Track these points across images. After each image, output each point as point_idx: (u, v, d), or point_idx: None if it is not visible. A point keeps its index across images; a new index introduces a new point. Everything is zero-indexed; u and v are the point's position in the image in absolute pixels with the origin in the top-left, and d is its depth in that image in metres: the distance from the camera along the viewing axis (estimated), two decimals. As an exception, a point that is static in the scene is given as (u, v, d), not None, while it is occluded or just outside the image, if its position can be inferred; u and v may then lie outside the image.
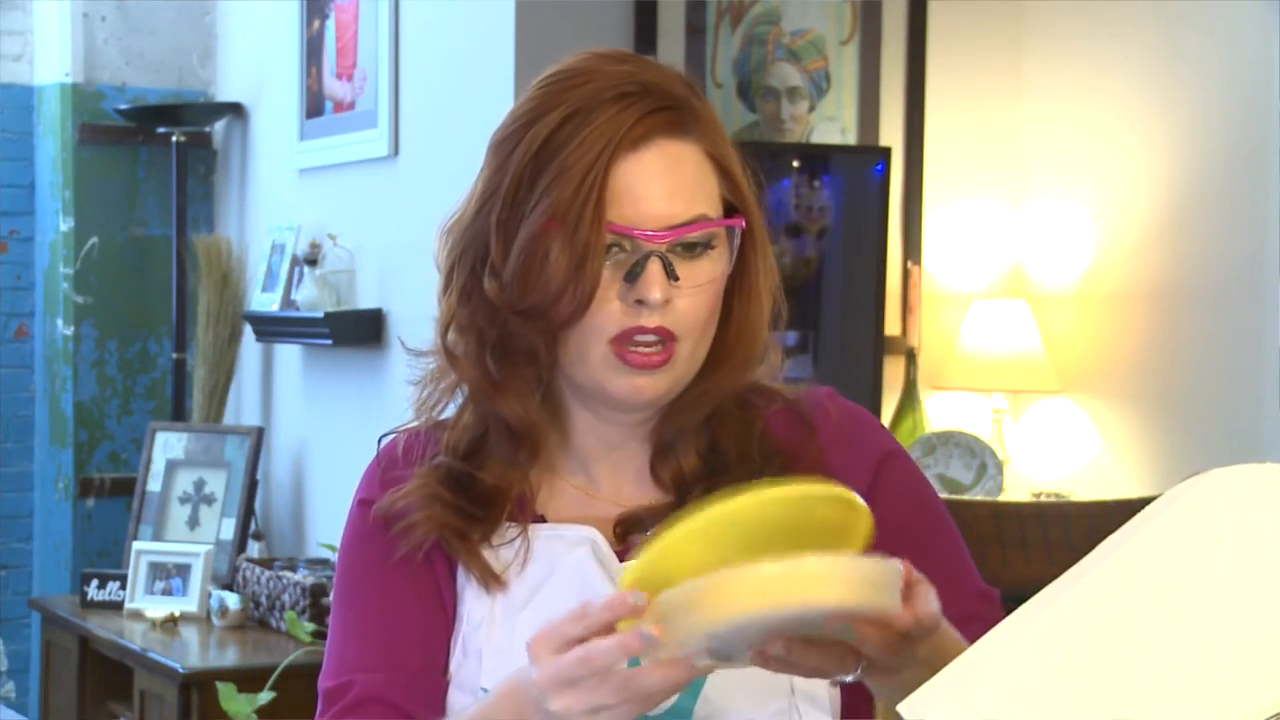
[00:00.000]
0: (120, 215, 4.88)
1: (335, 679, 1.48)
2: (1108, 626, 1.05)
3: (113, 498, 4.83)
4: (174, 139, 4.74)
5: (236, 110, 4.85)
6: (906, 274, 4.24)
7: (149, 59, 4.92)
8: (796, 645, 1.20)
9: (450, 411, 1.52)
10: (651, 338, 1.40)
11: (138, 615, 4.12)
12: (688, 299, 1.40)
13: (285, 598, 3.92)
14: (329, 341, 4.21)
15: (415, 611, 1.47)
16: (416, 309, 4.01)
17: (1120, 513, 1.15)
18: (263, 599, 4.02)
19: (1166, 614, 1.05)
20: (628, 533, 1.47)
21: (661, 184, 1.40)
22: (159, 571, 4.19)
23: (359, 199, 4.29)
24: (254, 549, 4.42)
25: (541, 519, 1.49)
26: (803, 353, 3.99)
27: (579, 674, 1.19)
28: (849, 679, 1.25)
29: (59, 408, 4.88)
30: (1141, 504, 1.13)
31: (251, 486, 4.42)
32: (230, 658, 3.82)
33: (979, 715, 1.05)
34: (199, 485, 4.46)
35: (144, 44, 4.91)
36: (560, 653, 1.20)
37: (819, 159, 4.11)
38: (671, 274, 1.39)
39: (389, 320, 4.14)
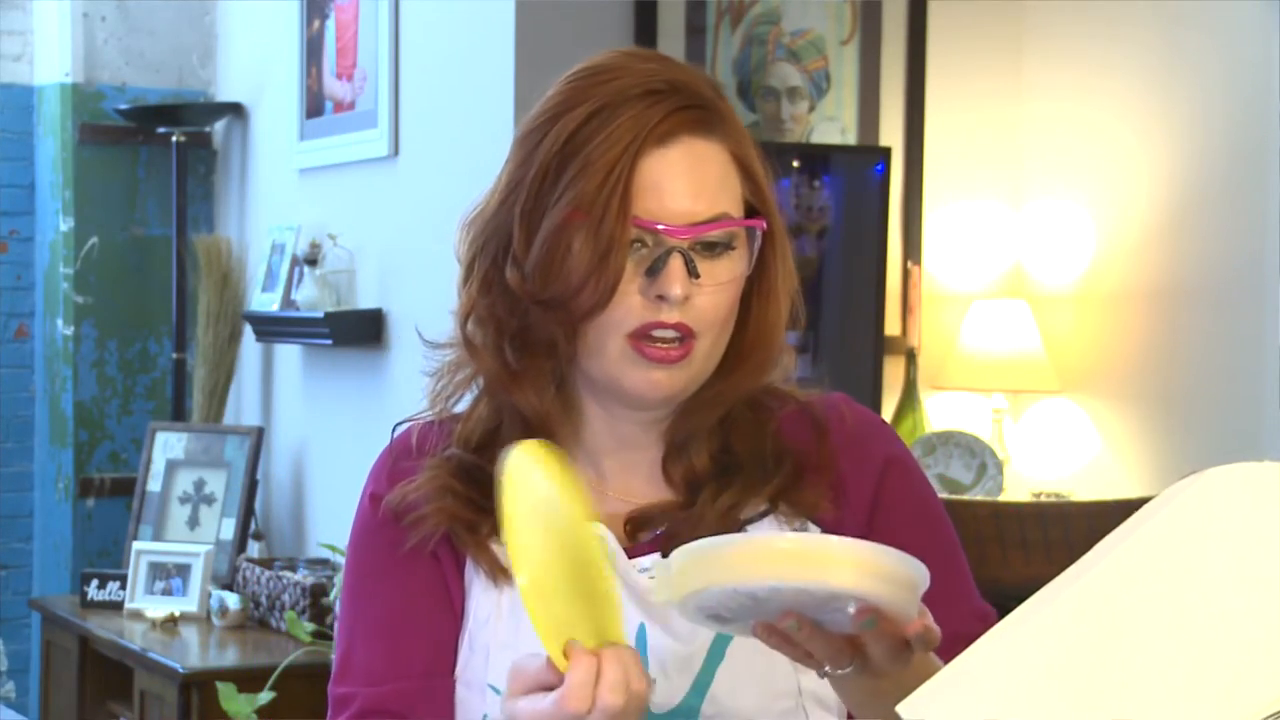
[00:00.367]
0: (120, 215, 4.88)
1: (341, 687, 1.49)
2: (1106, 625, 1.05)
3: (113, 498, 4.83)
4: (174, 139, 4.74)
5: (236, 110, 4.85)
6: (906, 274, 4.25)
7: (149, 59, 4.92)
8: (807, 625, 1.21)
9: (465, 404, 1.52)
10: (671, 333, 1.40)
11: (138, 615, 4.12)
12: (707, 297, 1.41)
13: (285, 598, 3.92)
14: (329, 341, 4.21)
15: (422, 611, 1.47)
16: (416, 309, 4.01)
17: (1120, 513, 1.15)
18: (263, 599, 4.02)
19: (1165, 613, 1.05)
20: (637, 530, 1.47)
21: (686, 181, 1.40)
22: (159, 571, 4.19)
23: (359, 199, 4.29)
24: (254, 549, 4.42)
25: None
26: (803, 353, 3.98)
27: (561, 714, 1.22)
28: (837, 673, 1.25)
29: (59, 408, 4.88)
30: (1141, 504, 1.13)
31: (251, 486, 4.42)
32: (230, 658, 3.82)
33: (978, 715, 1.05)
34: (199, 485, 4.46)
35: (144, 44, 4.91)
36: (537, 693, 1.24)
37: (819, 159, 4.11)
38: (693, 271, 1.40)
39: (389, 320, 4.14)
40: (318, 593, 3.84)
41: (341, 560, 3.76)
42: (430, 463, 1.49)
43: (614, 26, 3.85)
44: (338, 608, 3.67)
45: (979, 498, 3.93)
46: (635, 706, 1.22)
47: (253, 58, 4.82)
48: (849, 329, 4.12)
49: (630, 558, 1.45)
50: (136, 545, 4.26)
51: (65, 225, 4.84)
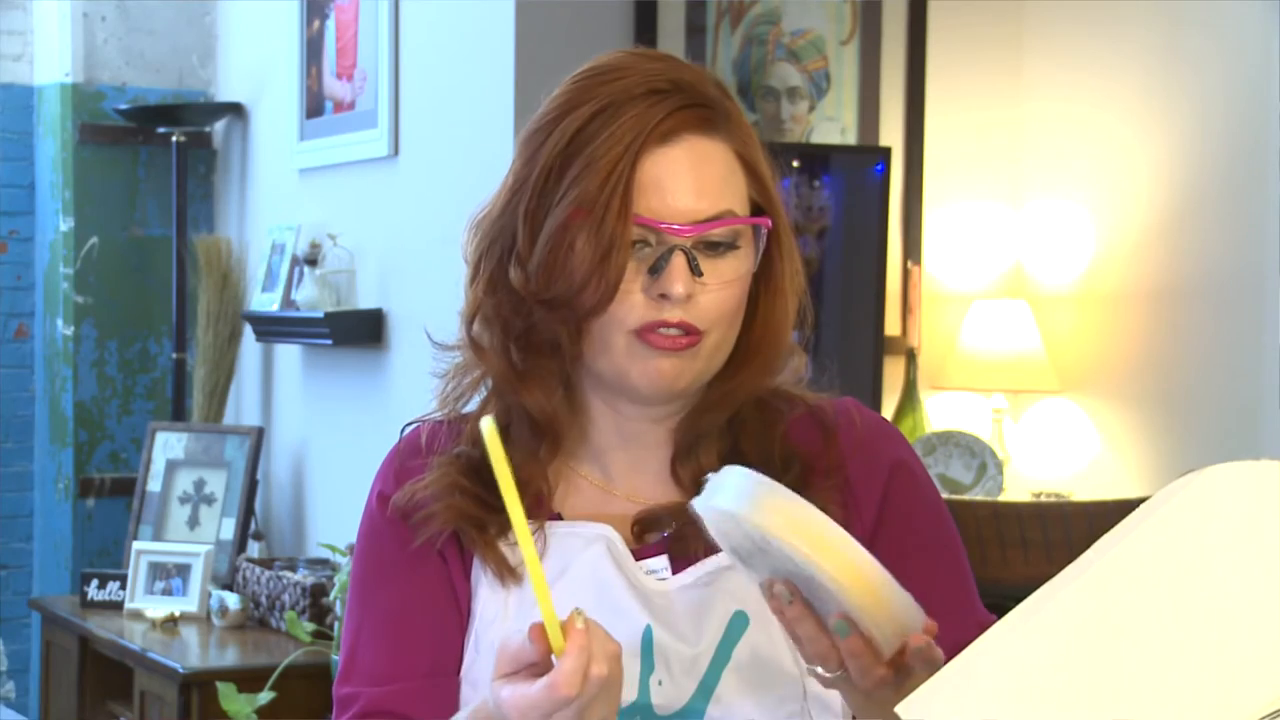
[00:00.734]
0: (120, 215, 4.88)
1: (345, 687, 1.49)
2: (1106, 625, 1.05)
3: (113, 498, 4.83)
4: (174, 139, 4.74)
5: (236, 110, 4.85)
6: (906, 274, 4.25)
7: (149, 59, 4.92)
8: (798, 601, 1.22)
9: (474, 405, 1.52)
10: (674, 330, 1.40)
11: (138, 615, 4.12)
12: (711, 295, 1.41)
13: (285, 598, 3.92)
14: (329, 341, 4.21)
15: (428, 611, 1.47)
16: (417, 309, 4.01)
17: (1120, 513, 1.15)
18: (263, 599, 4.02)
19: (1164, 612, 1.05)
20: (645, 531, 1.47)
21: (689, 179, 1.40)
22: (159, 571, 4.19)
23: (359, 199, 4.29)
24: (254, 549, 4.42)
25: (558, 517, 1.49)
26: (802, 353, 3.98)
27: (546, 709, 1.22)
28: (827, 676, 1.26)
29: (59, 408, 4.88)
30: (1141, 504, 1.13)
31: (251, 486, 4.42)
32: (230, 658, 3.82)
33: (978, 715, 1.05)
34: (199, 485, 4.46)
35: (144, 44, 4.91)
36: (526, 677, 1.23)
37: (819, 159, 4.11)
38: (696, 269, 1.40)
39: (389, 320, 4.14)
40: (318, 593, 3.84)
41: (341, 560, 3.76)
42: (439, 461, 1.49)
43: (614, 26, 3.85)
44: (337, 608, 3.67)
45: (979, 498, 3.93)
46: (615, 669, 1.22)
47: (253, 58, 4.82)
48: (849, 329, 4.12)
49: (637, 559, 1.45)
50: (136, 545, 4.26)
51: (65, 225, 4.84)
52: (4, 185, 4.98)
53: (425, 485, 1.48)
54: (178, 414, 4.72)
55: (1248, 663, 1.02)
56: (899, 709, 1.08)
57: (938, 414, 4.29)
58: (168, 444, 4.52)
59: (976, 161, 4.38)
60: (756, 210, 1.45)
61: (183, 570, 4.18)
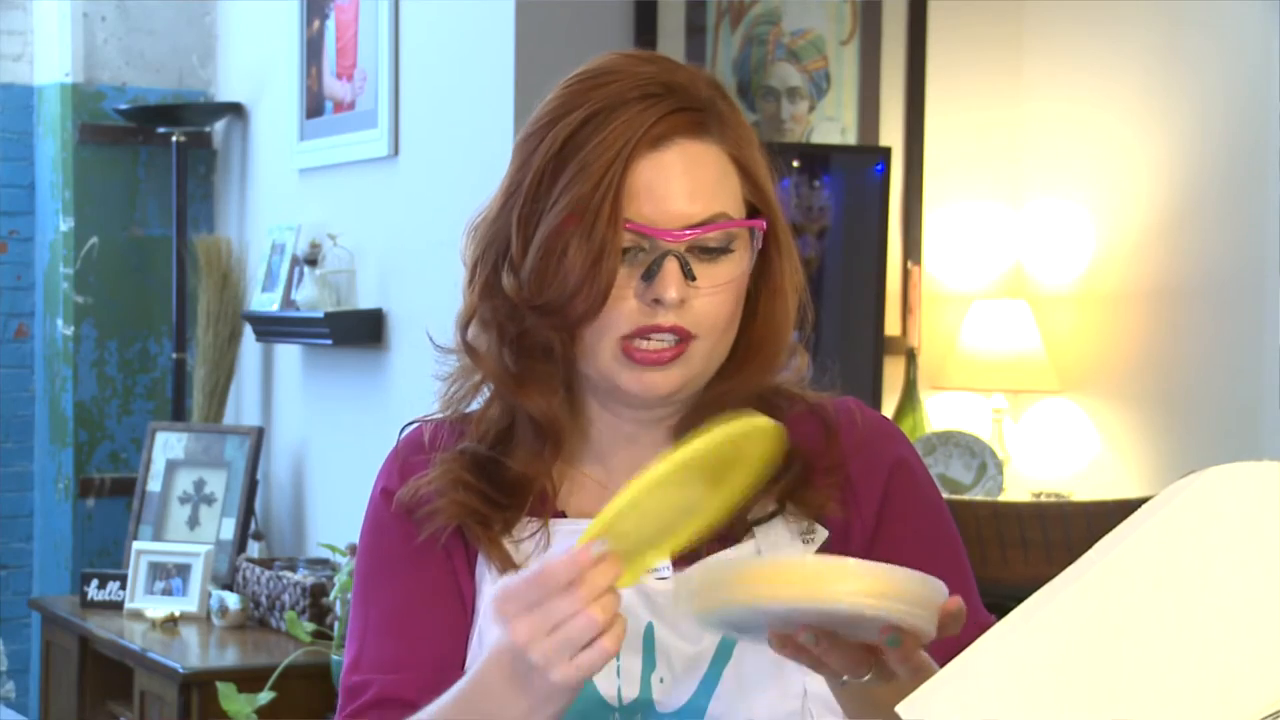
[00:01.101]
0: (120, 215, 4.88)
1: (355, 676, 1.48)
2: (1106, 625, 1.05)
3: (113, 498, 4.83)
4: (174, 139, 4.74)
5: (236, 110, 4.85)
6: (906, 274, 4.25)
7: (149, 59, 4.92)
8: (823, 639, 1.21)
9: (476, 406, 1.52)
10: (667, 336, 1.40)
11: (138, 615, 4.12)
12: (705, 299, 1.41)
13: (285, 598, 3.92)
14: (329, 341, 4.21)
15: (434, 605, 1.48)
16: (417, 309, 4.01)
17: (1120, 513, 1.15)
18: (263, 599, 4.02)
19: (1165, 612, 1.05)
20: None
21: (681, 184, 1.40)
22: (159, 571, 4.19)
23: (359, 199, 4.29)
24: (254, 549, 4.42)
25: (562, 515, 1.49)
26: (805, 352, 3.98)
27: (535, 596, 1.22)
28: (856, 682, 1.25)
29: (59, 408, 4.88)
30: (1141, 504, 1.13)
31: (251, 486, 4.42)
32: (230, 658, 3.82)
33: (979, 715, 1.05)
34: (199, 485, 4.46)
35: (144, 44, 4.91)
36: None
37: (819, 159, 4.11)
38: (689, 274, 1.40)
39: (389, 320, 4.14)
40: (318, 593, 3.84)
41: (341, 560, 3.77)
42: (443, 456, 1.49)
43: (614, 26, 3.85)
44: (337, 608, 3.67)
45: (979, 498, 3.93)
46: (619, 629, 1.23)
47: (253, 58, 4.82)
48: (849, 329, 4.12)
49: None
50: (136, 545, 4.26)
51: (65, 225, 4.84)
52: (4, 185, 4.98)
53: (429, 481, 1.48)
54: (178, 414, 4.72)
55: (1248, 664, 1.02)
56: (899, 709, 1.08)
57: (938, 414, 4.30)
58: (168, 444, 4.52)
59: (976, 161, 4.38)
60: (752, 211, 1.45)
61: (183, 570, 4.18)
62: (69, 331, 4.83)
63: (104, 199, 4.86)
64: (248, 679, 3.47)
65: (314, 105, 4.44)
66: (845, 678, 1.24)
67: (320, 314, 4.17)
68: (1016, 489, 4.21)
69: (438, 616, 1.47)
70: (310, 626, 3.64)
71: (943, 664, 1.11)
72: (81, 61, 4.83)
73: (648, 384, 1.42)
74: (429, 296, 3.89)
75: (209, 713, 3.57)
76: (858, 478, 1.48)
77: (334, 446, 4.40)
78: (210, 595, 4.09)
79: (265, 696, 3.40)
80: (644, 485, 1.22)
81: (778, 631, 1.21)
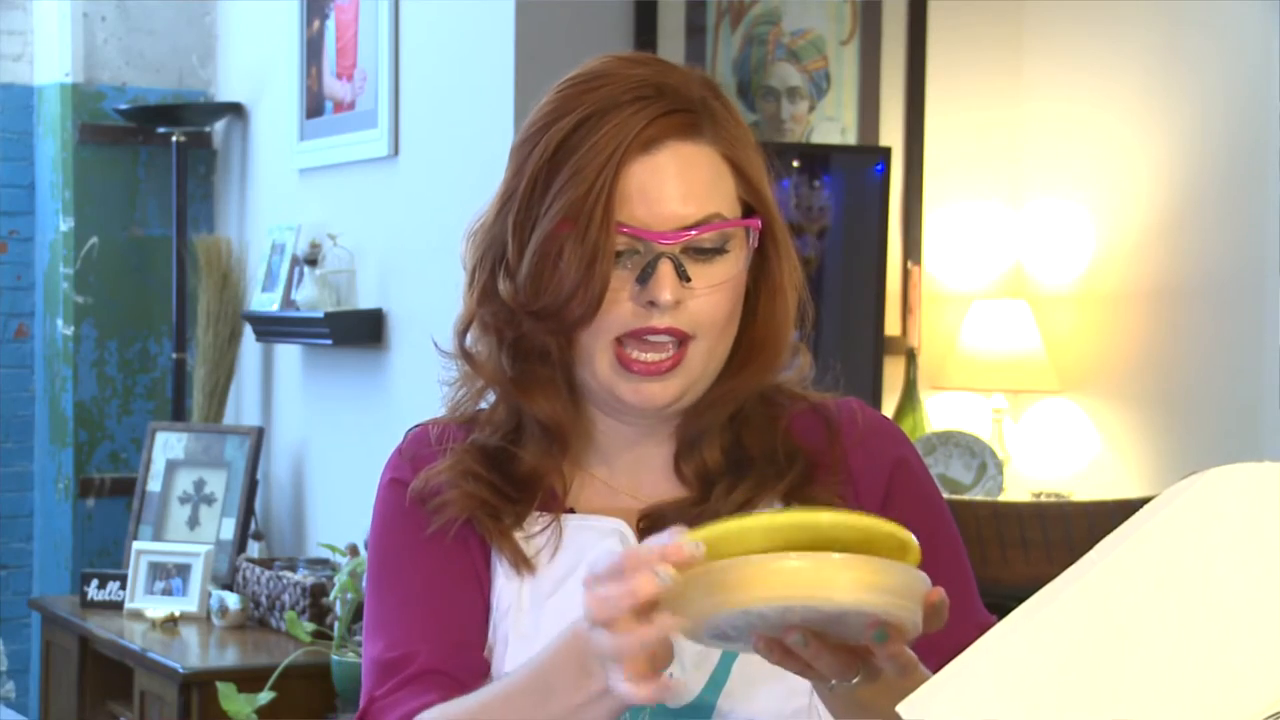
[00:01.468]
0: (120, 215, 4.88)
1: (396, 650, 1.45)
2: (1106, 626, 1.05)
3: (113, 498, 4.83)
4: (174, 139, 4.74)
5: (236, 110, 4.85)
6: (906, 274, 4.25)
7: (149, 59, 4.92)
8: (813, 640, 1.21)
9: (484, 406, 1.52)
10: (664, 338, 1.41)
11: (138, 615, 4.12)
12: (701, 300, 1.41)
13: (285, 598, 3.92)
14: (329, 341, 4.21)
15: (458, 587, 1.47)
16: (417, 309, 4.01)
17: (1120, 513, 1.15)
18: (263, 599, 4.02)
19: (1165, 613, 1.05)
20: (651, 527, 1.47)
21: (674, 186, 1.40)
22: (159, 571, 4.19)
23: (359, 199, 4.29)
24: (254, 549, 4.42)
25: (571, 511, 1.49)
26: (808, 352, 3.98)
27: (616, 591, 1.17)
28: (844, 685, 1.25)
29: (59, 408, 4.88)
30: (1141, 504, 1.13)
31: (251, 486, 4.42)
32: (230, 658, 3.82)
33: (979, 715, 1.05)
34: (199, 485, 4.46)
35: (144, 44, 4.91)
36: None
37: (819, 159, 4.11)
38: (683, 275, 1.40)
39: (389, 320, 4.14)
40: (318, 593, 3.84)
41: (341, 560, 3.77)
42: (454, 448, 1.49)
43: (614, 26, 3.85)
44: (337, 608, 3.67)
45: (979, 498, 3.93)
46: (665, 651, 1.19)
47: (253, 58, 4.82)
48: (849, 329, 4.12)
49: None
50: (136, 545, 4.26)
51: (65, 225, 4.85)
52: (4, 185, 4.98)
53: (439, 471, 1.48)
54: (178, 414, 4.72)
55: (1249, 664, 1.02)
56: (899, 709, 1.08)
57: (938, 414, 4.30)
58: (168, 444, 4.52)
59: (976, 161, 4.38)
60: (748, 211, 1.45)
61: (183, 570, 4.18)
62: (69, 331, 4.83)
63: (104, 199, 4.86)
64: (248, 679, 3.47)
65: (314, 105, 4.44)
66: (834, 682, 1.25)
67: (320, 314, 4.17)
68: (1016, 489, 4.21)
69: (462, 597, 1.46)
70: (310, 626, 3.64)
71: (941, 664, 1.11)
72: (81, 61, 4.83)
73: (646, 396, 1.42)
74: (429, 297, 3.89)
75: (209, 713, 3.58)
76: (859, 476, 1.49)
77: (334, 446, 4.40)
78: (210, 595, 4.09)
79: (265, 696, 3.40)
80: (761, 520, 1.20)
81: (764, 635, 1.21)
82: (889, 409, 4.15)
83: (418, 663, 1.44)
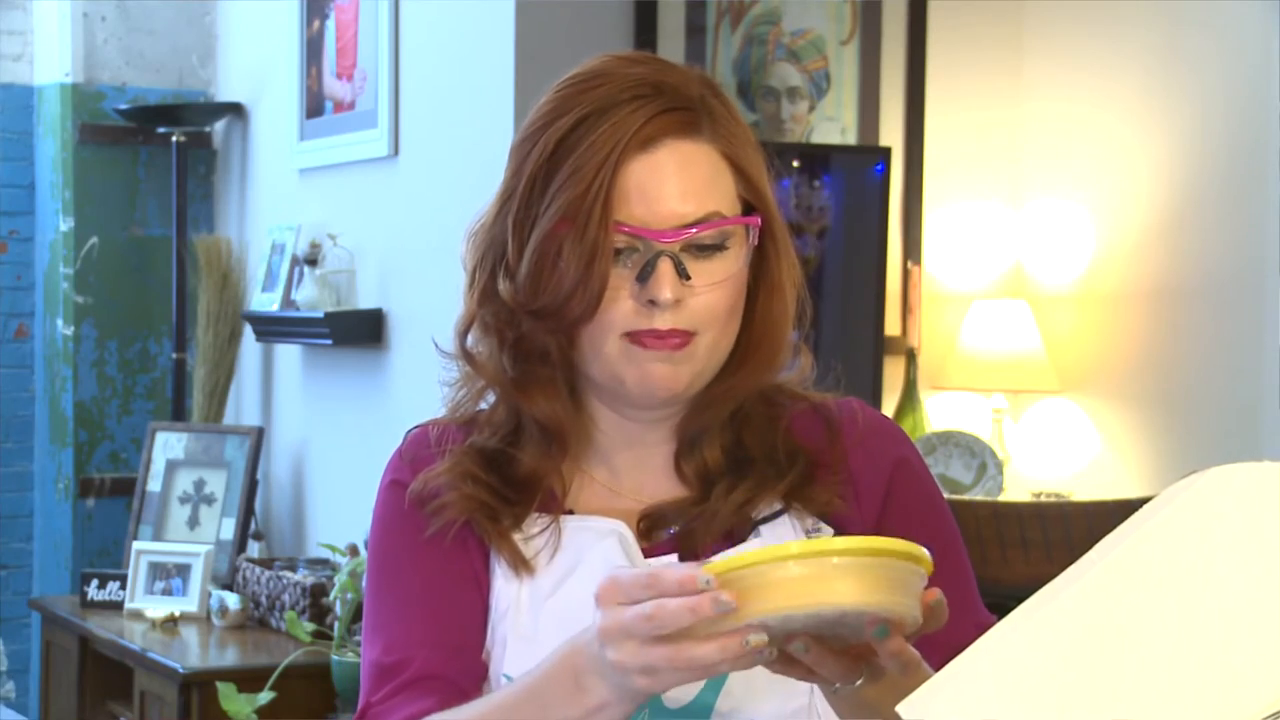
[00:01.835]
0: (120, 215, 4.88)
1: (393, 654, 1.45)
2: (1106, 625, 1.05)
3: (113, 498, 4.83)
4: (174, 139, 4.74)
5: (236, 110, 4.85)
6: (906, 274, 4.25)
7: (149, 59, 4.92)
8: (815, 646, 1.21)
9: (484, 407, 1.52)
10: (668, 339, 1.41)
11: (138, 615, 4.12)
12: (702, 297, 1.41)
13: (285, 598, 3.92)
14: (329, 341, 4.21)
15: (457, 589, 1.47)
16: (416, 309, 4.01)
17: (1120, 513, 1.15)
18: (263, 599, 4.02)
19: (1165, 613, 1.05)
20: (652, 528, 1.47)
21: (673, 184, 1.40)
22: (159, 571, 4.19)
23: (359, 199, 4.29)
24: (254, 549, 4.42)
25: (570, 512, 1.49)
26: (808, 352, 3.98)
27: (641, 630, 1.18)
28: (848, 688, 1.25)
29: (59, 408, 4.88)
30: (1141, 504, 1.13)
31: (251, 486, 4.42)
32: (230, 658, 3.82)
33: (978, 715, 1.05)
34: (199, 485, 4.46)
35: (144, 44, 4.91)
36: (627, 605, 1.19)
37: (819, 159, 4.11)
38: (683, 273, 1.40)
39: (389, 320, 4.14)
40: (318, 593, 3.84)
41: (341, 560, 3.77)
42: (453, 450, 1.49)
43: (614, 26, 3.85)
44: (337, 608, 3.67)
45: (979, 498, 3.93)
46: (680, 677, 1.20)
47: (253, 58, 4.82)
48: (849, 329, 4.12)
49: (647, 557, 1.45)
50: (136, 545, 4.26)
51: (65, 225, 4.85)
52: (4, 185, 4.98)
53: (438, 474, 1.48)
54: (178, 414, 4.72)
55: (1249, 664, 1.02)
56: (899, 709, 1.08)
57: (938, 414, 4.29)
58: (168, 444, 4.52)
59: (976, 161, 4.38)
60: (747, 209, 1.45)
61: (183, 570, 4.18)
62: (69, 331, 4.83)
63: (104, 199, 4.86)
64: (248, 679, 3.47)
65: (314, 105, 4.44)
66: (838, 685, 1.24)
67: (320, 314, 4.17)
68: (1016, 489, 4.21)
69: (461, 600, 1.47)
70: (310, 626, 3.64)
71: (942, 663, 1.11)
72: (81, 61, 4.83)
73: (655, 377, 1.42)
74: (429, 297, 3.89)
75: (209, 713, 3.58)
76: (860, 476, 1.49)
77: (334, 446, 4.40)
78: (210, 595, 4.09)
79: (265, 696, 3.40)
80: (790, 546, 1.19)
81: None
82: (889, 409, 4.15)
83: (414, 667, 1.44)
